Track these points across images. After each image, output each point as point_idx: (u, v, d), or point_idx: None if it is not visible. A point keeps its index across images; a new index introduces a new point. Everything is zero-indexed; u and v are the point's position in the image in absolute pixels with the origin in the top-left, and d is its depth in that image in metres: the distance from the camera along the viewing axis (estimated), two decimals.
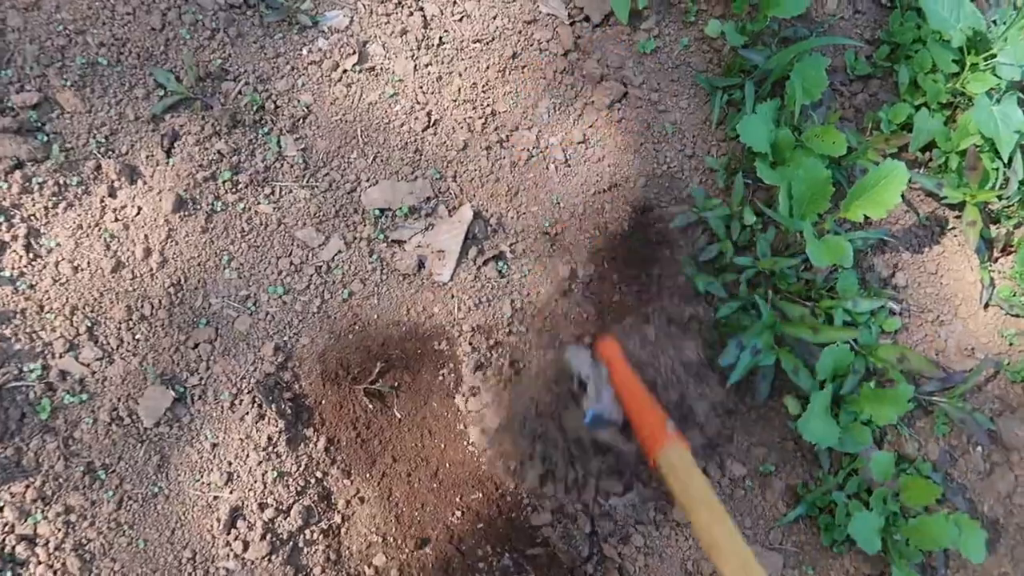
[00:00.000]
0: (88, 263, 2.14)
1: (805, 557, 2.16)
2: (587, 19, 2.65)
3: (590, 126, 2.54)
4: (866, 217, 2.06)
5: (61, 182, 2.18)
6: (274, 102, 2.39)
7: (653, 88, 2.56)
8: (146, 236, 2.18)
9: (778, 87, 2.52)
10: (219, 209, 2.25)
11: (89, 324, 2.09)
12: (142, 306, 2.13)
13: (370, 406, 2.18)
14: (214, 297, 2.19)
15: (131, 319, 2.12)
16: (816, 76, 2.26)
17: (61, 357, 2.06)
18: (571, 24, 2.64)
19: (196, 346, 2.14)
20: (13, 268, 2.09)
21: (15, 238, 2.11)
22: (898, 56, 2.60)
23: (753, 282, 2.29)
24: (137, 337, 2.11)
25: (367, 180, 2.38)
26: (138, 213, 2.21)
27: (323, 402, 2.16)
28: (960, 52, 2.45)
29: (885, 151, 2.41)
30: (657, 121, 2.53)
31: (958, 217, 2.49)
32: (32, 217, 2.14)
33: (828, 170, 2.06)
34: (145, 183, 2.24)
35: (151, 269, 2.17)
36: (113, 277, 2.14)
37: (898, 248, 2.44)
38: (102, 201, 2.20)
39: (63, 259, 2.12)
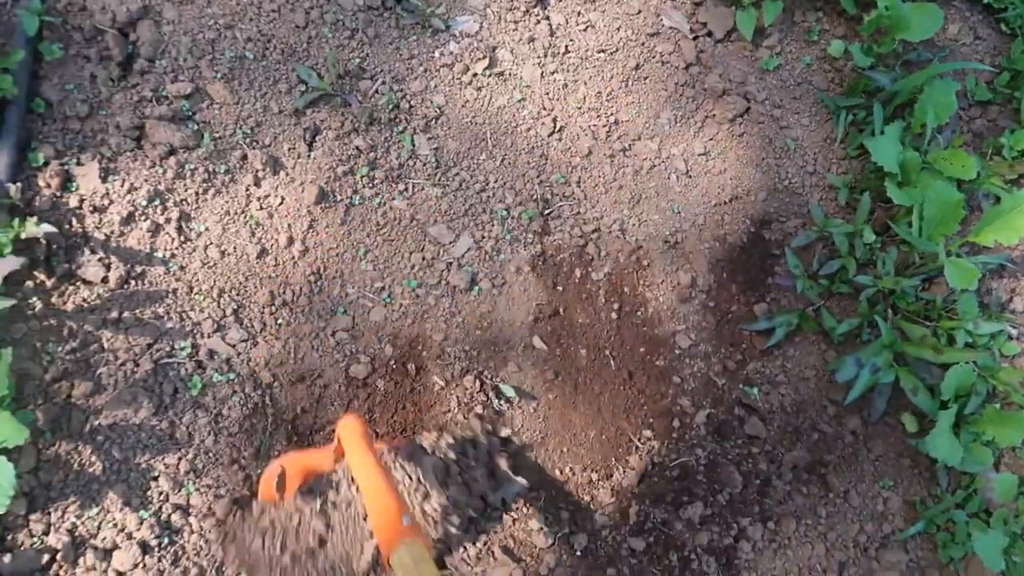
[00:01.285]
0: (234, 248, 2.25)
1: (923, 574, 2.22)
2: (709, 34, 2.74)
3: (711, 139, 2.62)
4: (996, 242, 2.12)
5: (210, 169, 2.30)
6: (408, 102, 2.50)
7: (775, 104, 2.64)
8: (289, 225, 2.29)
9: (900, 109, 2.58)
10: (357, 203, 2.36)
11: (235, 307, 2.20)
12: (284, 292, 2.24)
13: (496, 399, 2.27)
14: (351, 287, 2.29)
15: (274, 304, 2.23)
16: (946, 100, 2.33)
17: (209, 337, 2.17)
18: (693, 39, 2.72)
19: (334, 333, 2.24)
20: (166, 250, 2.21)
21: (168, 221, 2.23)
22: (1019, 83, 2.66)
23: (872, 300, 2.35)
24: (279, 322, 2.22)
25: (495, 181, 2.47)
26: (281, 203, 2.32)
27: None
28: None
29: (1007, 177, 2.46)
30: (779, 137, 2.61)
31: None
32: (184, 202, 2.26)
33: (961, 195, 2.12)
34: (287, 174, 2.35)
35: (293, 257, 2.28)
36: (257, 263, 2.25)
37: (1016, 274, 2.49)
38: (247, 190, 2.31)
39: (211, 243, 2.24)
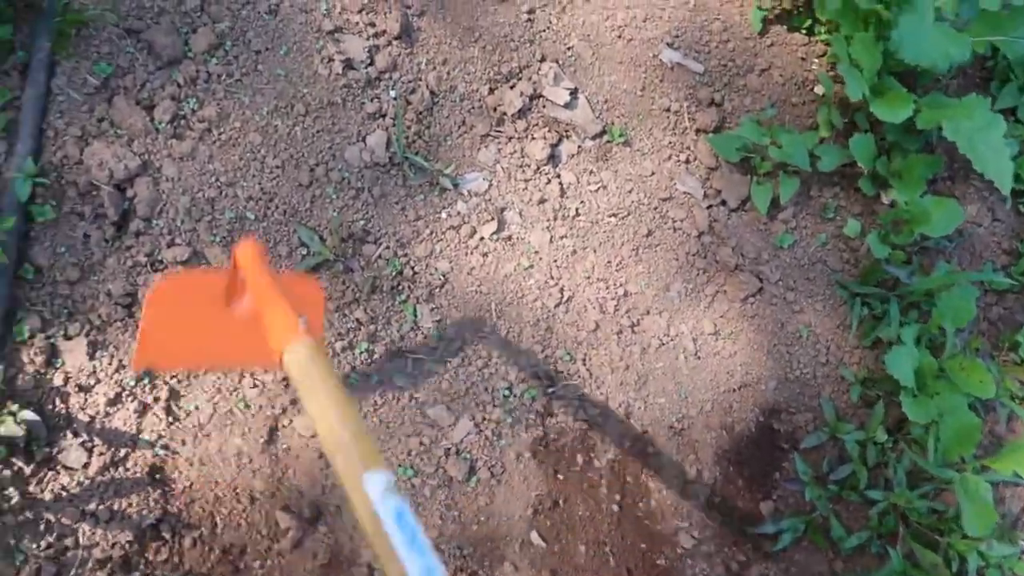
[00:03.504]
0: (224, 432, 2.20)
1: None
2: (723, 203, 2.74)
3: (721, 316, 2.61)
4: (1015, 473, 2.12)
5: None
6: (412, 268, 2.48)
7: (789, 287, 2.64)
8: (283, 406, 2.25)
9: (917, 303, 2.58)
10: (354, 383, 2.32)
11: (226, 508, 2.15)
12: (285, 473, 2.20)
13: None
14: None
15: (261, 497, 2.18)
16: (965, 307, 2.35)
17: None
18: (707, 207, 2.72)
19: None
20: (152, 431, 2.17)
21: (157, 400, 2.22)
22: None
23: (883, 512, 2.34)
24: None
25: (499, 357, 2.45)
26: (275, 381, 2.27)
27: None
28: None
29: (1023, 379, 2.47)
30: (791, 322, 2.61)
31: None
32: (174, 378, 2.21)
33: (979, 419, 2.12)
34: None
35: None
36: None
37: None
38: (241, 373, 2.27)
39: (201, 423, 2.19)
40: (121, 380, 2.18)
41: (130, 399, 2.18)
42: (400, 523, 1.08)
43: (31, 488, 2.05)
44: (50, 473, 2.08)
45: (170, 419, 2.20)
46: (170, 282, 1.87)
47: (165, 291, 1.84)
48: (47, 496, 2.06)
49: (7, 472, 2.03)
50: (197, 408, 2.23)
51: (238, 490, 2.19)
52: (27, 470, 2.06)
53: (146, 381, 2.19)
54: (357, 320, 2.40)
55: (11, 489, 2.03)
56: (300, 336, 1.40)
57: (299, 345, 1.38)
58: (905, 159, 2.56)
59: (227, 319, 1.83)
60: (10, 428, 1.97)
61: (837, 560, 2.41)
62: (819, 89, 2.83)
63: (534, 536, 2.34)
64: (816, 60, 2.88)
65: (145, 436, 2.17)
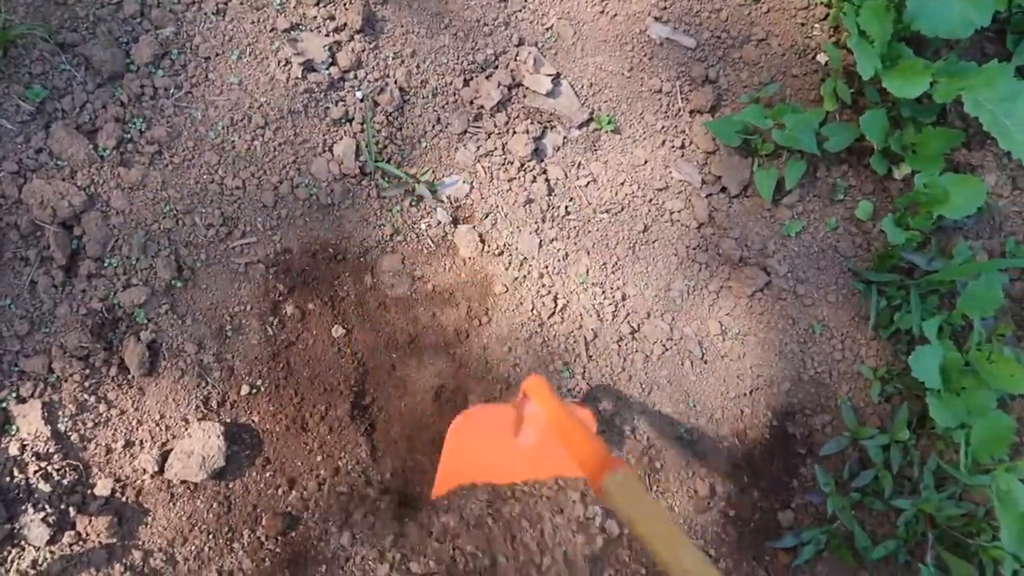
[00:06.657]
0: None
1: None
2: (724, 189, 2.50)
3: (728, 315, 2.39)
4: None
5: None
6: (390, 289, 2.23)
7: (798, 278, 2.41)
8: None
9: (937, 290, 2.35)
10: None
11: None
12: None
13: None
14: None
15: None
16: (991, 295, 2.15)
17: None
18: (707, 196, 2.46)
19: None
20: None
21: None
22: None
23: (911, 519, 2.15)
24: None
25: (492, 376, 2.23)
26: None
27: None
28: None
29: None
30: (803, 317, 2.39)
31: None
32: None
33: (1010, 419, 1.91)
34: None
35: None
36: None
37: None
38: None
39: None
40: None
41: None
42: None
43: None
44: (14, 550, 1.89)
45: None
46: (467, 416, 1.95)
47: (463, 424, 1.93)
48: None
49: None
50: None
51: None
52: None
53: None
54: None
55: None
56: (617, 464, 1.48)
57: (620, 472, 1.46)
58: (920, 133, 2.31)
59: (514, 447, 1.96)
60: None
61: (862, 572, 2.24)
62: (822, 57, 2.55)
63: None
64: (817, 25, 2.60)
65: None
